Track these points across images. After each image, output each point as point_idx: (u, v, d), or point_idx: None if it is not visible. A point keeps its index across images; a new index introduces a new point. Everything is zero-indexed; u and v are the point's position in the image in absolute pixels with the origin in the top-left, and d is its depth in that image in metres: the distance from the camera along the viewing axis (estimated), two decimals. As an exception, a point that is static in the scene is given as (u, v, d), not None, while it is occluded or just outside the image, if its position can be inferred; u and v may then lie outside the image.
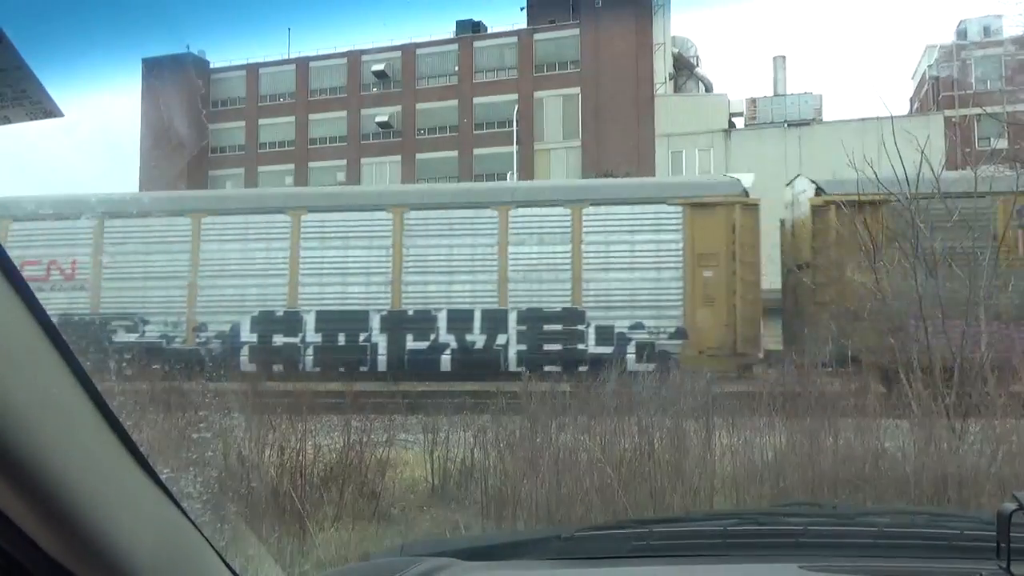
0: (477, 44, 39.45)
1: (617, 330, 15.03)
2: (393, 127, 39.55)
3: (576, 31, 37.93)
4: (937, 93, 35.09)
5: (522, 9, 38.61)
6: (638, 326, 15.00)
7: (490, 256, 15.44)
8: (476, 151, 37.97)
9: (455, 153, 38.28)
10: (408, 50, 39.26)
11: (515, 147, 36.48)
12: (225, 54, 38.76)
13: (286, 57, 40.17)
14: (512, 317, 15.24)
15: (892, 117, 9.02)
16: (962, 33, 35.79)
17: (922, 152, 8.27)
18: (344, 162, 39.67)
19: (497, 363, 14.71)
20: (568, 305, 15.17)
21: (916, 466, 5.31)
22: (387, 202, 16.35)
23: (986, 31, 34.40)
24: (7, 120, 0.92)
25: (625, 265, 15.09)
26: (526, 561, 1.70)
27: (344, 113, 40.32)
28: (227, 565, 1.32)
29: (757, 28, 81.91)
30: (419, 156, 38.62)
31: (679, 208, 15.12)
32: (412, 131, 39.42)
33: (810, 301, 14.54)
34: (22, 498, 0.92)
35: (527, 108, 37.64)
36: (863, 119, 27.75)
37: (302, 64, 40.76)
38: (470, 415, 7.19)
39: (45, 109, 0.85)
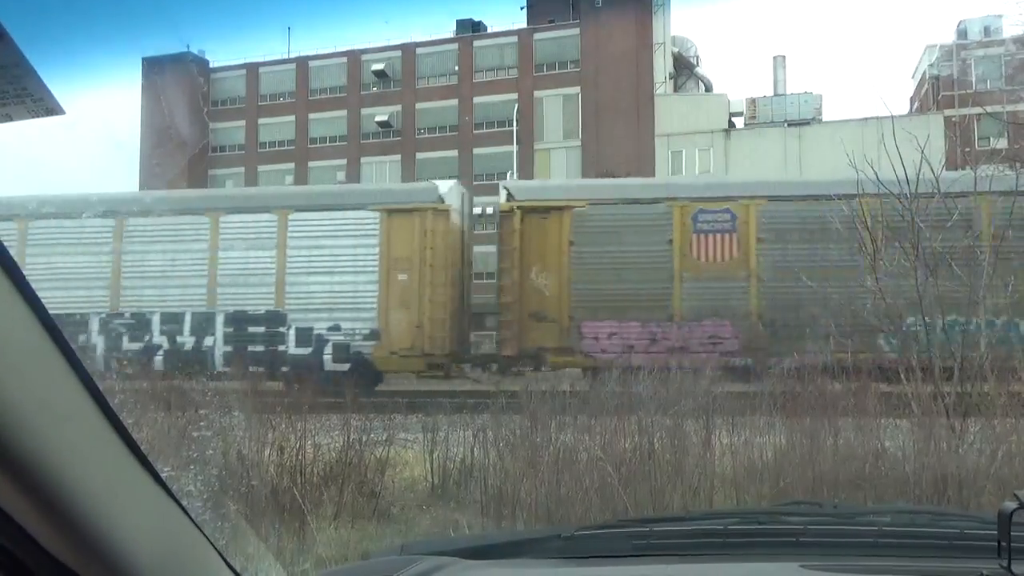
0: (477, 43, 39.44)
1: (316, 332, 15.86)
2: (393, 127, 39.53)
3: (576, 31, 37.91)
4: (937, 93, 35.09)
5: (522, 8, 38.64)
6: (335, 328, 15.82)
7: (201, 261, 16.26)
8: (476, 151, 37.97)
9: (455, 152, 38.28)
10: (408, 49, 39.24)
11: (515, 147, 36.47)
12: (225, 53, 38.77)
13: (286, 56, 40.18)
14: (219, 319, 16.07)
15: (892, 117, 9.01)
16: (962, 33, 35.78)
17: (922, 152, 8.25)
18: (344, 161, 39.67)
19: (205, 363, 15.19)
20: (271, 308, 16.01)
21: (916, 466, 5.31)
22: (109, 209, 16.86)
23: (986, 31, 34.39)
24: (8, 118, 0.92)
25: (326, 269, 15.86)
26: (526, 560, 1.70)
27: (344, 112, 40.31)
28: (227, 563, 1.32)
29: (757, 28, 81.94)
30: (419, 155, 38.62)
31: (377, 214, 15.95)
32: (412, 130, 39.41)
33: (499, 302, 15.77)
34: (23, 496, 0.92)
35: (527, 108, 37.63)
36: (863, 119, 27.75)
37: (302, 63, 40.75)
38: (470, 415, 7.18)
39: (47, 107, 0.85)
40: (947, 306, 7.40)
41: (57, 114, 0.86)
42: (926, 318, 7.16)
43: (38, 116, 0.86)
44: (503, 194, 16.09)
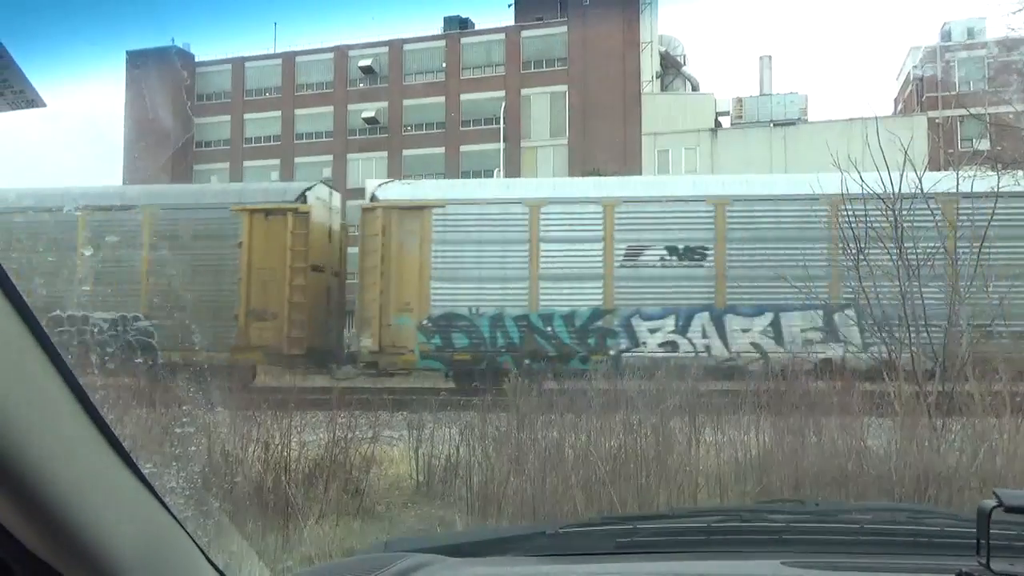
0: (464, 40, 39.38)
1: None
2: (379, 123, 39.40)
3: (564, 29, 37.93)
4: (921, 94, 35.37)
5: (510, 6, 38.65)
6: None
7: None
8: (463, 148, 37.92)
9: (442, 150, 38.21)
10: (395, 46, 39.12)
11: (502, 144, 36.44)
12: (210, 48, 38.58)
13: (272, 51, 39.96)
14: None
15: (876, 118, 9.08)
16: (946, 35, 36.09)
17: (905, 152, 8.33)
18: (330, 158, 39.50)
19: None
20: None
21: (898, 464, 5.35)
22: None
23: (970, 33, 34.70)
24: None
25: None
26: (510, 557, 1.70)
27: (330, 108, 40.14)
28: (210, 561, 1.31)
29: (744, 28, 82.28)
30: (405, 152, 38.52)
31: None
32: (399, 127, 39.30)
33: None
34: (2, 494, 0.91)
35: (514, 105, 37.61)
36: (848, 119, 27.94)
37: (288, 59, 40.53)
38: (455, 412, 7.19)
39: (27, 98, 0.84)
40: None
41: (38, 106, 0.85)
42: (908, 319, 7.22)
43: (18, 108, 0.85)
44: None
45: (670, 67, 40.77)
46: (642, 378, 7.01)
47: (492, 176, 33.26)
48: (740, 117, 37.73)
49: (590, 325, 14.35)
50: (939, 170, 12.83)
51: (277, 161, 39.97)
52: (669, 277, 14.18)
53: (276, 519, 5.19)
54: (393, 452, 7.10)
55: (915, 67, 36.40)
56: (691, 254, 14.13)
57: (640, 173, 31.51)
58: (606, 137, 34.97)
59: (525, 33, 38.51)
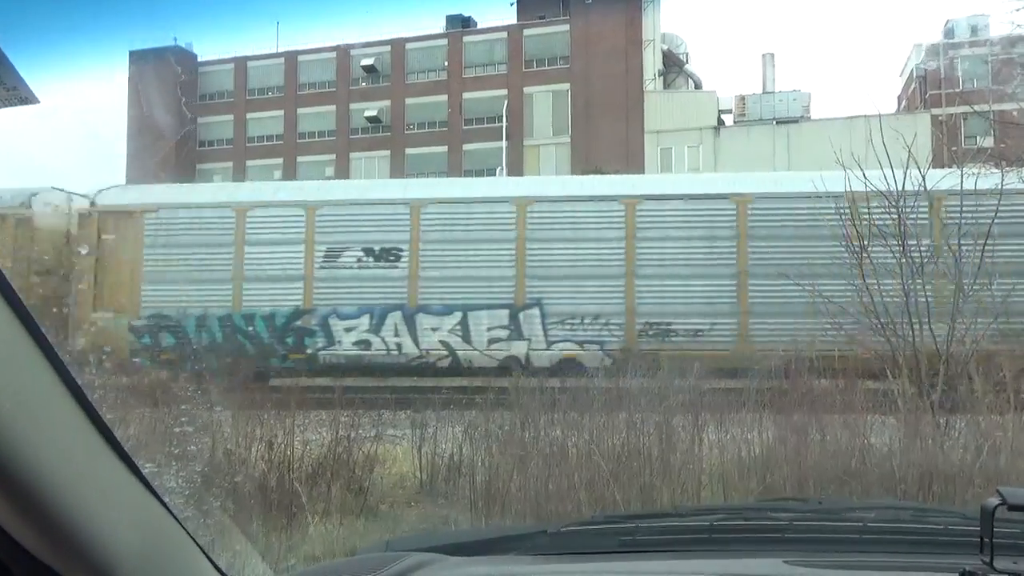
0: (467, 39, 39.37)
1: None
2: (382, 122, 39.42)
3: (566, 27, 37.90)
4: (924, 91, 35.29)
5: (512, 4, 38.59)
6: None
7: None
8: (465, 146, 37.91)
9: (444, 148, 38.21)
10: (397, 45, 39.13)
11: (504, 143, 36.44)
12: (213, 47, 38.61)
13: (274, 51, 39.99)
14: None
15: (880, 115, 9.05)
16: (949, 32, 35.99)
17: (909, 150, 8.30)
18: (333, 157, 39.54)
19: None
20: None
21: (902, 461, 5.34)
22: None
23: (973, 30, 34.60)
24: None
25: None
26: (512, 556, 1.69)
27: (333, 107, 40.16)
28: (211, 561, 1.31)
29: (747, 25, 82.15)
30: (408, 151, 38.53)
31: None
32: (401, 126, 39.31)
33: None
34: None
35: (516, 104, 37.59)
36: (851, 117, 27.88)
37: (291, 58, 40.56)
38: (458, 410, 7.19)
39: (20, 95, 0.84)
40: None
41: (31, 103, 0.85)
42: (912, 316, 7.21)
43: (11, 105, 0.85)
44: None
45: (672, 65, 40.71)
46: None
47: (494, 174, 33.27)
48: (743, 115, 37.67)
49: (290, 325, 14.78)
50: (943, 167, 12.81)
51: (280, 160, 40.01)
52: (365, 278, 14.64)
53: (279, 518, 5.20)
54: (396, 451, 7.10)
55: (918, 64, 36.32)
56: (387, 255, 14.63)
57: (643, 171, 31.47)
58: (608, 135, 34.95)
59: (527, 31, 38.49)
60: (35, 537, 0.96)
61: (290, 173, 38.63)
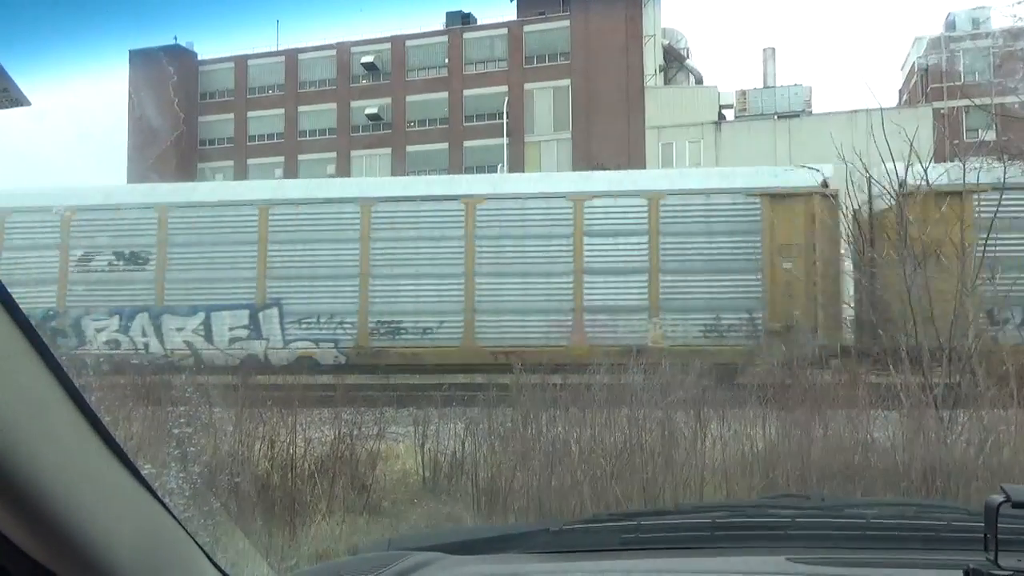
0: (467, 36, 39.32)
1: None
2: (383, 119, 39.39)
3: (566, 23, 37.84)
4: (926, 85, 35.20)
5: (512, 1, 38.53)
6: None
7: None
8: (466, 143, 37.88)
9: (445, 145, 38.18)
10: (397, 42, 39.08)
11: (505, 139, 36.40)
12: (213, 46, 38.59)
13: (275, 49, 39.95)
14: None
15: (881, 109, 9.04)
16: (951, 25, 35.89)
17: (911, 144, 8.29)
18: (334, 155, 39.51)
19: None
20: None
21: (905, 457, 5.33)
22: None
23: (974, 22, 34.49)
24: None
25: None
26: (514, 555, 1.69)
27: (333, 105, 40.13)
28: (212, 561, 1.30)
29: (747, 20, 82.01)
30: (409, 148, 38.51)
31: None
32: (402, 123, 39.28)
33: None
34: None
35: (517, 100, 37.55)
36: (852, 111, 27.80)
37: (291, 56, 40.52)
38: (461, 408, 7.19)
39: (11, 97, 0.83)
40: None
41: (23, 105, 0.84)
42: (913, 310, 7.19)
43: (2, 108, 0.84)
44: None
45: (673, 60, 40.63)
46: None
47: (496, 172, 33.24)
48: (744, 110, 37.61)
49: (45, 326, 15.08)
50: (944, 161, 12.79)
51: (281, 159, 40.00)
52: (116, 280, 15.27)
53: (282, 517, 5.20)
54: (399, 448, 7.10)
55: (920, 58, 36.21)
56: (136, 258, 15.32)
57: (644, 167, 31.41)
58: (609, 131, 34.90)
59: (527, 28, 38.43)
60: (34, 540, 0.95)
61: (291, 171, 38.64)
